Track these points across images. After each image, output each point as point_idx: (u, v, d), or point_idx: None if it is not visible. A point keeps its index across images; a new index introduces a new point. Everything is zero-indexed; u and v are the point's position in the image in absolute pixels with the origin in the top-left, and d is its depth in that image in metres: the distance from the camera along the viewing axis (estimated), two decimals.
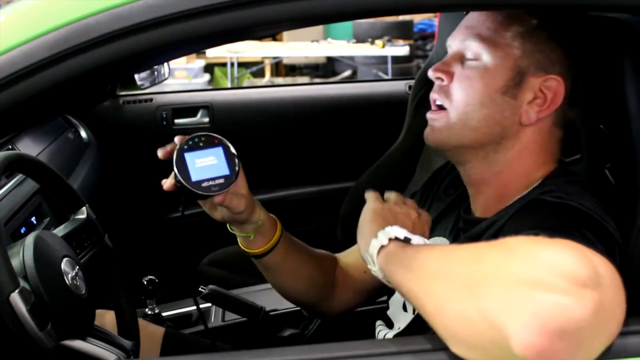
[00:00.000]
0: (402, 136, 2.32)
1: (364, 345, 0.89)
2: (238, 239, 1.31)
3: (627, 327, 0.82)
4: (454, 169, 1.36)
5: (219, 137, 1.20)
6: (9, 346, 0.99)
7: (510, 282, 0.75)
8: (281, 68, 8.27)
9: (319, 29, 7.75)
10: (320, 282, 1.39)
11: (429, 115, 1.17)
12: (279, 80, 7.61)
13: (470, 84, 1.12)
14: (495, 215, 1.13)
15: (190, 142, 1.18)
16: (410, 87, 2.46)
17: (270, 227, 1.30)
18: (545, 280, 0.73)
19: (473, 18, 1.16)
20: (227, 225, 1.29)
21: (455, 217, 1.26)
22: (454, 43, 1.17)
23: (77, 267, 1.15)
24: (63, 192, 1.36)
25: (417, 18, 7.96)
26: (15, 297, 0.95)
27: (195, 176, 1.16)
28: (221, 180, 1.17)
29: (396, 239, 1.00)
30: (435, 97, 1.16)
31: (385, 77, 6.66)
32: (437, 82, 1.16)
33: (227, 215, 1.23)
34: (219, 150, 1.19)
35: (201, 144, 1.18)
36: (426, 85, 2.21)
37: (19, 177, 1.68)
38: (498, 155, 1.15)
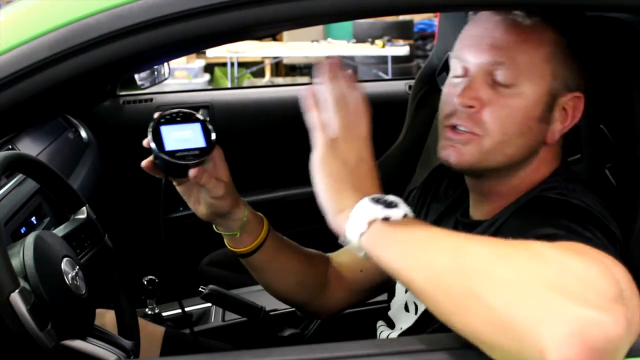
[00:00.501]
0: (402, 136, 2.32)
1: (364, 345, 0.89)
2: (225, 239, 1.29)
3: None
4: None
5: (198, 114, 1.19)
6: (9, 346, 0.99)
7: (543, 290, 0.72)
8: (281, 68, 8.27)
9: (319, 29, 7.75)
10: (310, 282, 1.37)
11: (453, 136, 1.11)
12: (279, 80, 7.61)
13: (509, 114, 1.08)
14: (495, 216, 1.13)
15: (168, 116, 1.17)
16: (410, 87, 2.46)
17: (257, 225, 1.28)
18: (580, 293, 0.71)
19: (500, 38, 1.09)
20: (213, 226, 1.27)
21: (454, 220, 1.25)
22: (476, 60, 1.10)
23: (77, 267, 1.15)
24: (63, 192, 1.36)
25: (417, 18, 7.96)
26: (15, 297, 0.94)
27: (169, 146, 1.14)
28: (196, 152, 1.15)
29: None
30: (460, 123, 1.09)
31: (385, 77, 6.66)
32: (464, 109, 1.09)
33: (209, 204, 1.20)
34: (197, 125, 1.18)
35: (178, 119, 1.17)
36: (426, 85, 2.22)
37: (19, 177, 1.68)
38: (517, 172, 1.13)
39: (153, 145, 1.14)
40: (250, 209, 1.27)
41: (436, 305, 0.81)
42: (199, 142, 1.16)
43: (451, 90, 1.14)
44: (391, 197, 0.91)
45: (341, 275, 1.39)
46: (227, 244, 1.30)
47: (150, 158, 1.16)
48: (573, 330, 0.69)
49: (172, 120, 1.17)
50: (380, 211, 0.88)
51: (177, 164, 1.15)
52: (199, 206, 1.22)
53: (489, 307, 0.74)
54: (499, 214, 1.12)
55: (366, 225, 0.88)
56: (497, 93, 1.08)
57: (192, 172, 1.15)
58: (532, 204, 1.05)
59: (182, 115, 1.18)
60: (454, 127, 1.11)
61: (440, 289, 0.80)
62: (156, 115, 1.18)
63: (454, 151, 1.11)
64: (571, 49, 1.10)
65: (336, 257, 1.43)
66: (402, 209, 0.89)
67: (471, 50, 1.11)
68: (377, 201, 0.90)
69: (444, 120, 1.13)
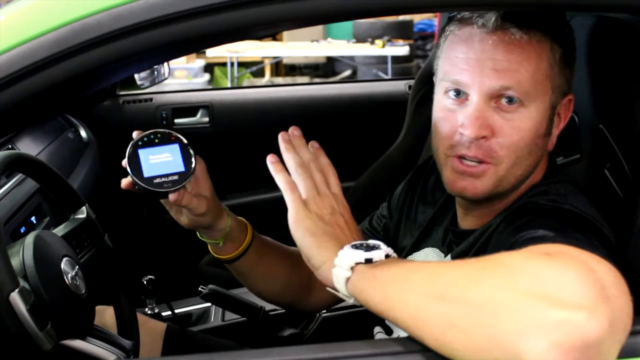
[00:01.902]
0: (402, 136, 2.32)
1: (364, 345, 0.89)
2: (208, 246, 1.29)
3: (634, 327, 0.81)
4: (436, 169, 1.34)
5: (176, 134, 1.17)
6: (8, 346, 0.99)
7: (519, 304, 0.72)
8: (281, 68, 8.27)
9: (319, 29, 7.75)
10: (296, 283, 1.37)
11: (464, 169, 1.07)
12: (279, 80, 7.61)
13: (521, 138, 1.05)
14: (486, 224, 1.11)
15: (145, 139, 1.15)
16: (410, 87, 2.47)
17: (240, 233, 1.27)
18: (556, 299, 0.71)
19: (503, 59, 1.04)
20: (197, 233, 1.27)
21: (444, 227, 1.23)
22: (479, 86, 1.05)
23: (77, 266, 1.14)
24: (63, 191, 1.36)
25: (417, 18, 7.96)
26: (15, 297, 0.94)
27: (147, 172, 1.12)
28: (175, 177, 1.13)
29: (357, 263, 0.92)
30: (472, 156, 1.06)
31: (385, 77, 6.66)
32: (475, 141, 1.05)
33: (191, 218, 1.20)
34: (175, 147, 1.15)
35: (157, 141, 1.15)
36: (426, 85, 2.21)
37: (19, 177, 1.68)
38: (519, 186, 1.11)
39: (131, 173, 1.12)
40: (234, 217, 1.27)
41: (422, 339, 0.81)
42: (178, 166, 1.14)
43: (449, 116, 1.09)
44: (372, 241, 0.95)
45: None
46: (210, 251, 1.30)
47: (129, 179, 1.15)
48: (554, 339, 0.69)
49: (150, 142, 1.15)
50: (362, 255, 0.91)
51: (155, 192, 1.13)
52: (181, 217, 1.22)
53: (469, 334, 0.75)
54: (491, 222, 1.10)
55: (349, 270, 0.91)
56: (504, 118, 1.05)
57: (171, 197, 1.14)
58: (523, 210, 1.03)
59: (161, 136, 1.15)
60: (461, 158, 1.08)
61: (422, 324, 0.81)
62: (135, 134, 1.15)
63: (467, 185, 1.08)
64: (565, 57, 1.08)
65: None
66: (383, 250, 0.93)
67: (471, 75, 1.05)
68: (357, 247, 0.94)
69: (447, 150, 1.09)
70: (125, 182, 1.16)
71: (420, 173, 1.36)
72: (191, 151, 1.16)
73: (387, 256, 0.93)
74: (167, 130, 1.17)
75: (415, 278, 0.85)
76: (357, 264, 0.91)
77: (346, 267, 0.92)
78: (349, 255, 0.92)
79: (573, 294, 0.71)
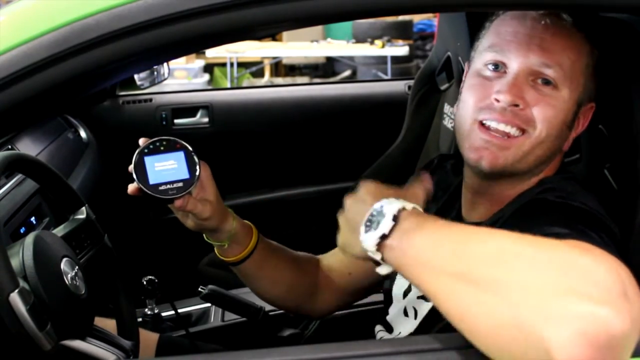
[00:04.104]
0: (402, 136, 2.32)
1: (364, 345, 0.89)
2: (214, 248, 1.30)
3: None
4: (439, 169, 1.34)
5: (182, 142, 1.20)
6: (8, 346, 0.99)
7: (547, 290, 0.72)
8: (281, 68, 8.27)
9: (318, 29, 7.75)
10: (300, 287, 1.38)
11: (492, 138, 1.07)
12: (279, 80, 7.61)
13: (554, 114, 1.07)
14: (493, 217, 1.12)
15: (151, 146, 1.18)
16: (409, 87, 2.47)
17: (246, 235, 1.29)
18: (584, 290, 0.71)
19: (550, 40, 1.07)
20: (204, 235, 1.28)
21: None
22: (522, 58, 1.07)
23: (77, 267, 1.14)
24: (63, 192, 1.36)
25: (417, 18, 7.96)
26: (15, 297, 0.94)
27: (153, 179, 1.15)
28: (180, 184, 1.16)
29: (395, 218, 0.88)
30: (509, 121, 1.06)
31: (385, 77, 6.66)
32: (508, 107, 1.06)
33: (196, 222, 1.22)
34: (180, 154, 1.18)
35: (162, 148, 1.18)
36: (426, 85, 2.22)
37: (18, 177, 1.68)
38: (531, 177, 1.12)
39: (137, 180, 1.15)
40: (239, 220, 1.28)
41: (448, 314, 0.80)
42: (183, 173, 1.17)
43: (484, 83, 1.10)
44: (377, 205, 0.92)
45: (330, 278, 1.40)
46: (216, 253, 1.31)
47: (135, 185, 1.17)
48: (578, 329, 0.69)
49: (155, 149, 1.17)
50: (374, 234, 0.89)
51: (160, 199, 1.16)
52: (187, 220, 1.23)
53: (494, 311, 0.74)
54: (497, 215, 1.11)
55: (377, 252, 0.89)
56: (539, 93, 1.07)
57: (176, 203, 1.17)
58: (533, 206, 1.04)
59: (166, 143, 1.18)
60: (486, 127, 1.08)
61: (447, 298, 0.80)
62: (141, 142, 1.18)
63: (488, 154, 1.08)
64: (596, 67, 1.12)
65: (325, 259, 1.43)
66: (388, 214, 0.89)
67: (517, 47, 1.08)
68: (368, 226, 0.91)
69: (475, 113, 1.09)
70: (131, 188, 1.17)
71: None
72: (196, 158, 1.19)
73: (394, 217, 0.88)
74: (172, 138, 1.20)
75: (442, 251, 0.82)
76: (378, 244, 0.88)
77: (373, 251, 0.90)
78: (367, 241, 0.90)
79: (600, 288, 0.71)
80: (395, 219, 0.88)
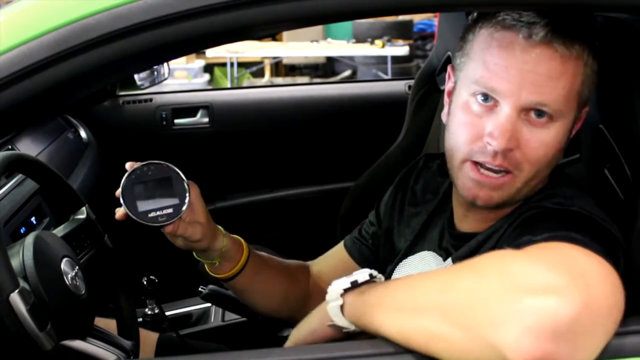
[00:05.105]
0: (402, 136, 2.32)
1: (364, 345, 0.89)
2: (205, 265, 1.29)
3: (626, 327, 0.82)
4: (425, 170, 1.33)
5: (169, 165, 1.17)
6: (8, 346, 0.99)
7: (489, 299, 0.74)
8: (281, 68, 8.27)
9: (319, 29, 7.75)
10: (293, 296, 1.37)
11: (483, 180, 1.05)
12: (279, 80, 7.61)
13: (545, 152, 1.04)
14: (490, 228, 1.11)
15: (139, 172, 1.15)
16: (410, 87, 2.47)
17: (236, 252, 1.27)
18: (525, 288, 0.72)
19: (544, 75, 1.01)
20: (193, 253, 1.27)
21: (439, 229, 1.23)
22: (514, 97, 1.01)
23: (77, 267, 1.14)
24: (63, 192, 1.36)
25: (417, 18, 7.95)
26: (15, 298, 0.94)
27: (141, 206, 1.13)
28: (169, 210, 1.14)
29: (346, 289, 0.97)
30: (497, 165, 1.04)
31: (385, 77, 6.66)
32: (501, 151, 1.02)
33: (186, 244, 1.21)
34: (168, 178, 1.16)
35: (150, 173, 1.15)
36: (426, 85, 2.22)
37: (18, 177, 1.68)
38: (529, 192, 1.10)
39: (126, 208, 1.13)
40: (229, 236, 1.27)
41: (415, 351, 0.83)
42: (172, 198, 1.15)
43: (475, 121, 1.05)
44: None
45: (320, 285, 1.39)
46: (207, 270, 1.30)
47: (123, 210, 1.15)
48: (524, 325, 0.70)
49: (143, 175, 1.15)
50: (346, 280, 0.97)
51: (149, 226, 1.14)
52: (177, 241, 1.21)
53: (449, 339, 0.77)
54: (494, 227, 1.10)
55: (341, 299, 0.96)
56: (531, 132, 1.03)
57: (167, 229, 1.16)
58: (530, 216, 1.03)
59: (154, 168, 1.16)
60: (478, 165, 1.05)
61: (408, 339, 0.83)
62: (128, 166, 1.16)
63: (483, 195, 1.07)
64: (595, 69, 1.07)
65: (315, 265, 1.43)
66: (365, 270, 0.98)
67: (509, 86, 1.02)
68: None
69: (467, 152, 1.06)
70: (119, 213, 1.16)
71: (408, 177, 1.36)
72: (185, 182, 1.16)
73: (370, 276, 0.97)
74: (160, 162, 1.17)
75: (396, 295, 0.88)
76: (345, 290, 0.96)
77: (336, 297, 0.96)
78: (335, 285, 0.97)
79: (541, 280, 0.72)
80: (371, 275, 0.98)
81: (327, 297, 0.97)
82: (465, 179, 1.08)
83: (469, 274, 0.80)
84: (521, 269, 0.75)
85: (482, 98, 1.05)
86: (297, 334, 1.05)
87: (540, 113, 1.03)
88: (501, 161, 1.03)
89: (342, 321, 0.96)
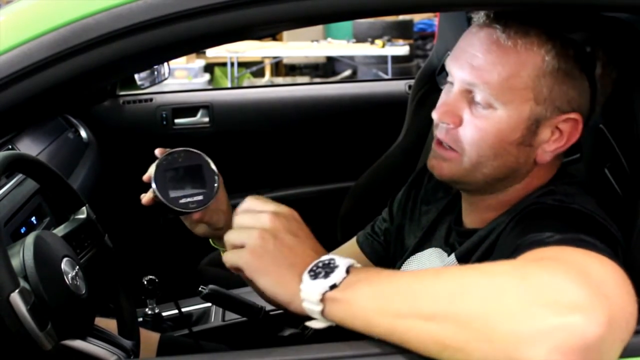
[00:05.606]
0: (402, 136, 2.32)
1: (364, 345, 0.89)
2: (221, 253, 1.29)
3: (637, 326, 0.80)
4: None
5: (199, 152, 1.18)
6: (9, 346, 0.99)
7: (513, 313, 0.70)
8: (281, 68, 8.27)
9: (319, 28, 7.75)
10: None
11: (437, 149, 1.12)
12: (279, 80, 7.61)
13: (483, 136, 1.06)
14: (490, 224, 1.11)
15: (170, 158, 1.16)
16: (410, 86, 2.47)
17: None
18: (548, 302, 0.69)
19: (481, 57, 1.05)
20: (210, 240, 1.28)
21: (447, 226, 1.24)
22: (458, 74, 1.08)
23: (77, 267, 1.15)
24: (63, 192, 1.36)
25: (417, 18, 7.96)
26: (15, 297, 0.94)
27: (173, 192, 1.14)
28: (200, 197, 1.15)
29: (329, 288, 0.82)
30: (442, 139, 1.10)
31: (385, 77, 6.66)
32: (440, 124, 1.10)
33: (208, 231, 1.22)
34: (199, 166, 1.17)
35: (180, 160, 1.16)
36: (426, 85, 2.22)
37: (19, 177, 1.68)
38: (506, 189, 1.12)
39: (157, 193, 1.13)
40: None
41: (423, 352, 0.77)
42: (202, 185, 1.16)
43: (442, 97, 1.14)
44: (326, 258, 0.86)
45: None
46: (222, 258, 1.29)
47: (151, 195, 1.16)
48: (553, 344, 0.68)
49: (174, 161, 1.16)
50: (323, 283, 0.83)
51: (180, 212, 1.16)
52: (197, 228, 1.23)
53: (466, 351, 0.72)
54: (495, 222, 1.10)
55: (320, 303, 0.83)
56: (472, 114, 1.07)
57: (195, 217, 1.18)
58: (530, 211, 1.02)
59: (184, 155, 1.17)
60: (440, 140, 1.12)
61: (415, 346, 0.77)
62: (158, 153, 1.16)
63: (436, 164, 1.13)
64: (567, 70, 1.05)
65: None
66: (342, 266, 0.84)
67: (455, 64, 1.09)
68: (316, 274, 0.84)
69: (434, 129, 1.14)
70: (146, 198, 1.16)
71: (422, 175, 1.37)
72: (214, 170, 1.18)
73: (347, 270, 0.84)
74: (190, 149, 1.18)
75: (394, 298, 0.79)
76: (323, 295, 0.83)
77: (315, 302, 0.83)
78: (312, 289, 0.83)
79: (566, 296, 0.70)
80: (348, 271, 0.84)
81: (302, 295, 0.84)
82: (431, 150, 1.15)
83: (482, 280, 0.75)
84: (542, 282, 0.71)
85: (450, 81, 1.12)
86: (265, 283, 0.90)
87: (478, 97, 1.06)
88: (443, 136, 1.10)
89: (324, 321, 0.86)
